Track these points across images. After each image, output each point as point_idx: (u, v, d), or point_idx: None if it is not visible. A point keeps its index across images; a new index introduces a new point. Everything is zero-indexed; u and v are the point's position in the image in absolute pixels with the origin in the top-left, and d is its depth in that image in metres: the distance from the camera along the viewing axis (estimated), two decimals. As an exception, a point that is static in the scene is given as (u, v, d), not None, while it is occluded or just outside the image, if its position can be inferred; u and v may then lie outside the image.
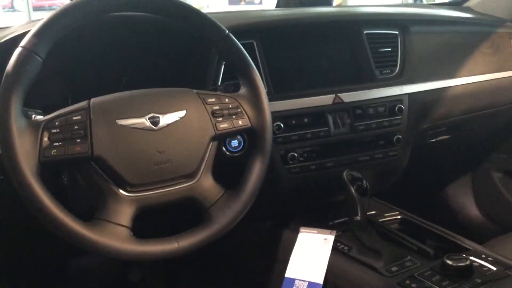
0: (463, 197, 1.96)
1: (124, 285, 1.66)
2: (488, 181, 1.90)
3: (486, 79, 1.58)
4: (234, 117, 0.95)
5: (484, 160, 1.92)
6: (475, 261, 1.04)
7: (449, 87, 1.48)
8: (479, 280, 0.98)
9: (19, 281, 1.44)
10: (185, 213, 0.98)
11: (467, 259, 1.01)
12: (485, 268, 1.03)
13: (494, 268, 1.02)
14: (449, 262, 1.00)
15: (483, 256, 1.07)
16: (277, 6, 1.98)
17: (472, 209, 1.94)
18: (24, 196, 0.78)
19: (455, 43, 1.55)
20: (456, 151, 1.83)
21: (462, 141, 1.75)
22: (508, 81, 1.64)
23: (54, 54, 0.85)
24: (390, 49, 1.39)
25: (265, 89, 1.01)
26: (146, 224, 0.91)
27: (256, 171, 0.97)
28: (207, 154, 0.92)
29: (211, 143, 0.93)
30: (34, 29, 0.83)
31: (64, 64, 1.10)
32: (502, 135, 1.86)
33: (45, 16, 0.85)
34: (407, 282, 0.99)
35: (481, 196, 1.93)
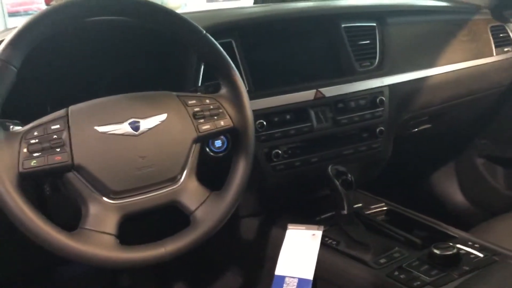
0: (448, 184, 1.98)
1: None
2: (472, 167, 1.92)
3: (465, 66, 1.59)
4: (215, 118, 0.94)
5: (467, 146, 1.94)
6: (462, 249, 1.05)
7: (429, 76, 1.49)
8: (467, 268, 0.99)
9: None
10: (171, 217, 0.98)
11: (454, 247, 1.01)
12: (472, 255, 1.03)
13: (481, 255, 1.03)
14: (436, 251, 1.01)
15: (469, 243, 1.08)
16: (255, 2, 1.98)
17: (457, 196, 1.96)
18: (6, 209, 0.77)
19: (433, 32, 1.56)
20: (439, 139, 1.85)
21: (444, 129, 1.76)
22: (486, 67, 1.66)
23: (30, 62, 0.83)
24: (368, 41, 1.40)
25: (246, 87, 1.00)
26: (132, 230, 0.90)
27: (241, 171, 0.96)
28: (190, 156, 0.91)
29: (194, 145, 0.92)
30: (7, 38, 0.81)
31: (41, 71, 1.08)
32: (482, 121, 1.88)
33: (21, 22, 0.83)
34: (396, 273, 1.00)
35: (465, 183, 1.95)
